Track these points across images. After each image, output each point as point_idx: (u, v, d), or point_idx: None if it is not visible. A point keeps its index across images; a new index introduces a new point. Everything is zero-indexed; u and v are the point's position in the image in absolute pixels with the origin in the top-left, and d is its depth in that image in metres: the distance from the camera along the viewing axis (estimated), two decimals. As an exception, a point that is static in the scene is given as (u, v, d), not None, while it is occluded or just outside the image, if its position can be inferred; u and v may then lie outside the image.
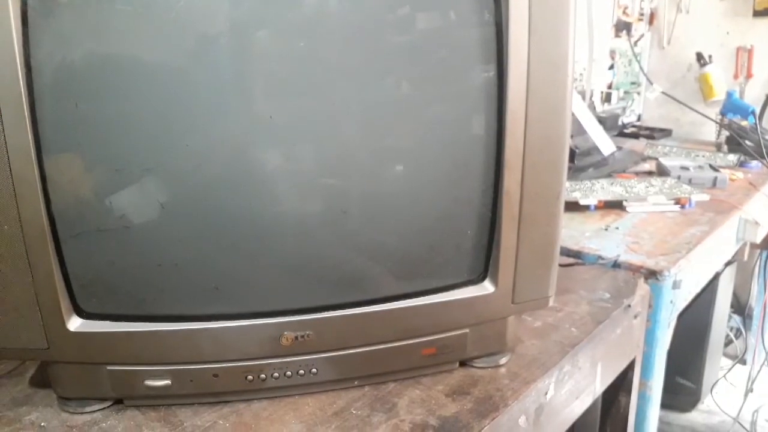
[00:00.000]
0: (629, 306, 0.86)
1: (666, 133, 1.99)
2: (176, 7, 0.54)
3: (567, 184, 0.65)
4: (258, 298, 0.62)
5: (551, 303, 0.68)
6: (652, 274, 0.95)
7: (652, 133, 1.95)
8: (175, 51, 0.55)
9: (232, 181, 0.59)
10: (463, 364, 0.69)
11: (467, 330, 0.66)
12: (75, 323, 0.58)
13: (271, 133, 0.59)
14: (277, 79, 0.58)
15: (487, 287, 0.64)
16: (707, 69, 1.90)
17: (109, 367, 0.60)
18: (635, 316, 0.89)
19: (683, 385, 1.76)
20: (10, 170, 0.54)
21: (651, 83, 1.79)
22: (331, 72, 0.59)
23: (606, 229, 1.12)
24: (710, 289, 1.63)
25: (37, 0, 0.52)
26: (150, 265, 0.59)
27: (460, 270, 0.65)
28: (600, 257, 0.99)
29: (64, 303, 0.58)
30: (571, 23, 0.61)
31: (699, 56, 1.92)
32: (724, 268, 1.64)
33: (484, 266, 0.64)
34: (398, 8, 0.59)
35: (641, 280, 0.93)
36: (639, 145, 1.81)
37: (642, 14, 1.93)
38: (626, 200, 1.22)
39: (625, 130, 1.97)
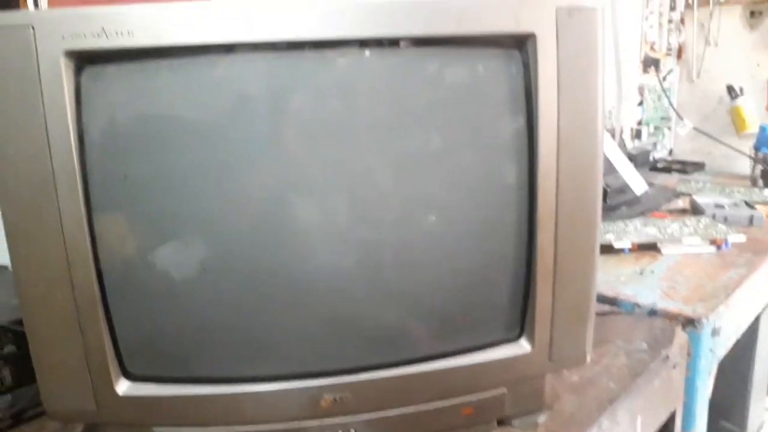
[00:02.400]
0: (667, 357, 0.85)
1: (699, 166, 1.97)
2: (218, 83, 0.57)
3: (600, 225, 0.65)
4: (298, 359, 0.63)
5: (588, 360, 0.68)
6: (689, 322, 0.93)
7: (685, 167, 1.94)
8: (217, 121, 0.58)
9: (272, 241, 0.61)
10: (501, 422, 0.69)
11: (505, 389, 0.66)
12: (123, 386, 0.60)
13: (309, 191, 0.61)
14: (313, 138, 0.60)
15: (523, 346, 0.64)
16: (739, 102, 1.89)
17: (155, 428, 0.62)
18: (674, 366, 0.88)
19: (728, 428, 1.71)
20: (64, 239, 0.56)
21: (681, 118, 1.78)
22: (365, 129, 0.61)
23: (641, 273, 1.11)
24: (751, 328, 1.59)
25: (89, 79, 0.55)
26: (193, 327, 0.61)
27: (496, 328, 0.65)
28: (636, 304, 0.98)
29: (113, 366, 0.60)
30: (600, 77, 0.62)
31: (730, 89, 1.91)
32: (765, 309, 1.60)
33: (520, 324, 0.65)
34: (428, 67, 0.61)
35: (679, 329, 0.92)
36: (671, 180, 1.80)
37: (670, 49, 1.93)
38: (661, 242, 1.21)
39: (657, 165, 1.96)
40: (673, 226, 1.29)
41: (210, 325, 0.61)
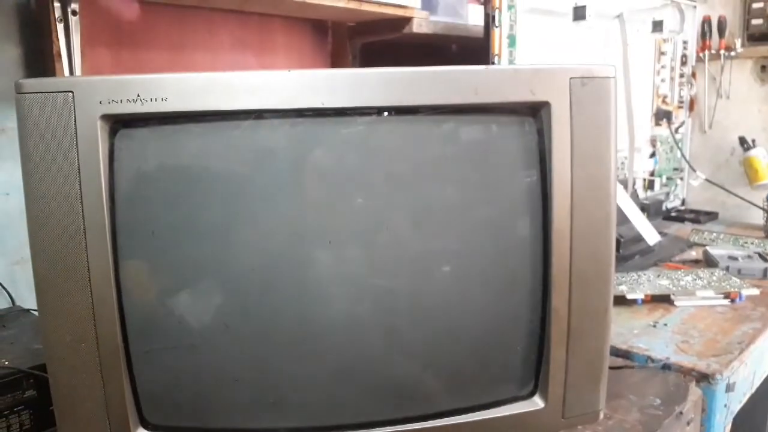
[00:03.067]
0: (681, 413, 0.85)
1: (712, 216, 1.97)
2: (244, 146, 0.60)
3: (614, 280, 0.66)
4: (313, 413, 0.64)
5: (601, 417, 0.68)
6: (704, 378, 0.93)
7: (698, 217, 1.94)
8: (241, 181, 0.61)
9: (292, 297, 0.63)
10: (513, 480, 0.69)
11: (517, 447, 0.67)
12: (141, 435, 0.62)
13: (329, 248, 0.63)
14: (335, 197, 0.62)
15: (537, 403, 0.65)
16: (752, 153, 1.90)
17: (172, 480, 0.63)
18: (688, 423, 0.87)
19: (744, 485, 1.67)
20: (91, 292, 0.59)
21: (694, 170, 1.80)
22: (386, 191, 0.63)
23: (654, 326, 1.11)
24: (765, 383, 1.57)
25: (123, 140, 0.58)
26: (212, 379, 0.63)
27: (509, 385, 0.66)
28: (649, 358, 0.98)
29: (132, 416, 0.61)
30: (613, 141, 0.64)
31: (742, 140, 1.92)
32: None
33: (534, 381, 0.66)
34: (447, 133, 0.64)
35: (693, 384, 0.92)
36: (684, 229, 1.80)
37: (681, 102, 1.95)
38: (674, 294, 1.21)
39: (671, 214, 1.96)
40: (686, 278, 1.29)
41: (229, 378, 0.63)
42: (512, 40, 1.25)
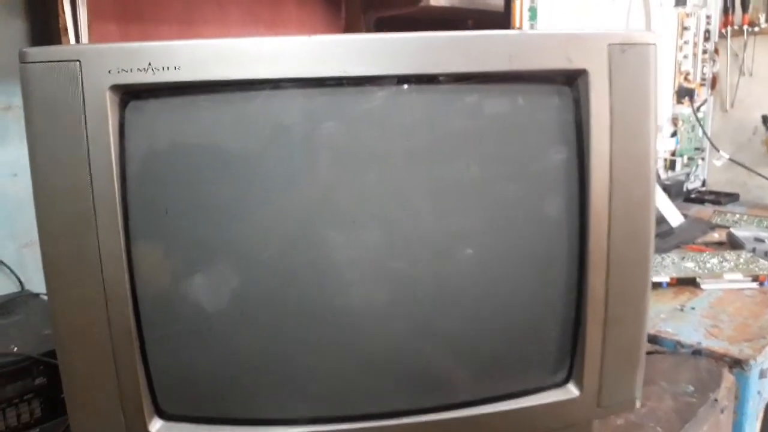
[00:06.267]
0: (716, 400, 0.82)
1: (733, 197, 1.92)
2: (262, 118, 0.56)
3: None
4: (335, 403, 0.61)
5: (638, 405, 0.65)
6: (737, 363, 0.90)
7: (719, 198, 1.89)
8: (259, 155, 0.57)
9: (312, 279, 0.59)
10: (545, 470, 0.66)
11: (551, 436, 0.63)
12: (156, 425, 0.58)
13: (352, 226, 0.59)
14: (359, 170, 0.58)
15: (571, 391, 0.62)
16: (775, 132, 1.85)
17: (188, 470, 0.60)
18: (722, 411, 0.84)
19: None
20: (102, 274, 0.55)
21: (717, 150, 1.75)
22: (415, 164, 0.59)
23: (681, 310, 1.08)
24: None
25: (133, 113, 0.55)
26: (229, 366, 0.59)
27: (542, 372, 0.63)
28: (679, 343, 0.95)
29: (147, 405, 0.58)
30: (653, 113, 0.60)
31: (765, 119, 1.87)
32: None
33: (568, 368, 0.62)
34: (477, 103, 0.59)
35: (725, 370, 0.88)
36: (705, 211, 1.76)
37: (704, 79, 1.90)
38: (700, 277, 1.18)
39: (691, 196, 1.92)
40: (712, 260, 1.25)
41: (247, 365, 0.60)
42: (533, 13, 1.20)
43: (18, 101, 0.97)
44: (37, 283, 0.97)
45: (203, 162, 0.56)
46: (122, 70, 0.53)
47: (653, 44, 0.60)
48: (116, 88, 0.53)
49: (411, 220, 0.59)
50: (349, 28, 1.36)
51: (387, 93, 0.56)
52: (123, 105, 0.54)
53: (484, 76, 0.56)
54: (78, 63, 0.53)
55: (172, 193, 0.56)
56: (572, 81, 0.58)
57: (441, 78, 0.56)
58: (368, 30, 1.35)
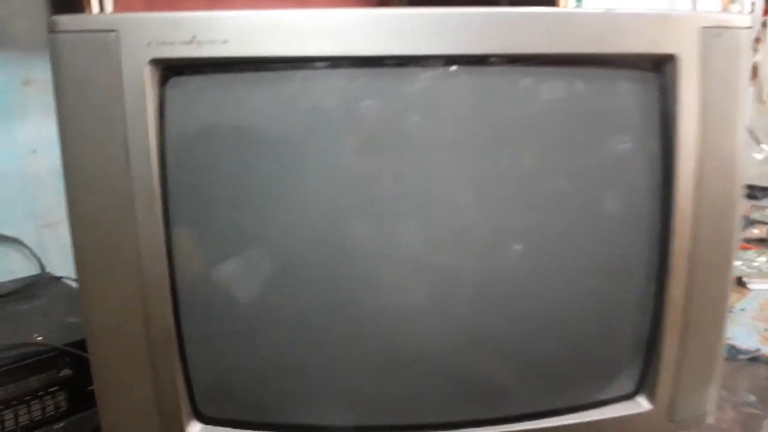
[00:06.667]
0: (779, 411, 0.77)
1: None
2: (317, 99, 0.51)
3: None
4: (382, 411, 0.56)
5: (711, 420, 0.60)
6: (797, 371, 0.85)
7: (754, 192, 1.82)
8: (314, 141, 0.51)
9: (363, 279, 0.54)
10: (609, 487, 0.61)
11: (617, 452, 0.59)
12: (195, 428, 0.54)
13: (414, 224, 0.54)
14: (426, 159, 0.53)
15: (641, 404, 0.57)
16: (815, 124, 1.77)
17: (227, 478, 0.56)
18: (784, 421, 0.79)
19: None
20: (140, 267, 0.51)
21: (758, 143, 1.68)
22: (487, 154, 0.54)
23: (731, 311, 1.02)
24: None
25: (175, 90, 0.49)
26: (273, 370, 0.55)
27: (611, 383, 0.58)
28: (733, 348, 0.89)
29: (185, 407, 0.54)
30: (744, 103, 0.54)
31: (805, 111, 1.79)
32: None
33: (639, 380, 0.57)
34: (554, 88, 0.54)
35: (786, 378, 0.83)
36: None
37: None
38: (748, 276, 1.12)
39: (725, 188, 1.85)
40: (759, 259, 1.19)
41: (291, 368, 0.55)
42: (580, -9, 1.13)
43: (40, 74, 0.92)
44: (57, 265, 0.92)
45: (250, 145, 0.51)
46: (164, 42, 0.48)
47: (747, 28, 0.54)
48: (157, 62, 0.48)
49: (483, 216, 0.54)
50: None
51: (458, 74, 0.51)
52: (163, 81, 0.49)
53: (568, 58, 0.51)
54: (115, 33, 0.48)
55: (217, 179, 0.51)
56: (659, 67, 0.52)
57: (522, 58, 0.50)
58: (401, 2, 1.28)
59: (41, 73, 0.89)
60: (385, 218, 0.54)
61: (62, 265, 0.93)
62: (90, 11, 0.87)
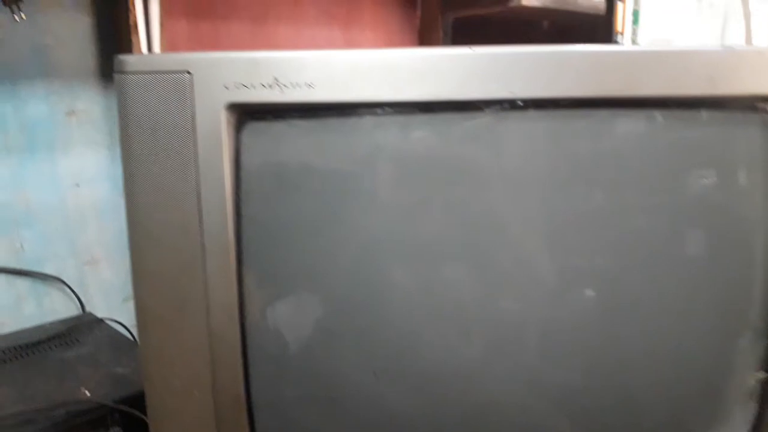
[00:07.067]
0: None
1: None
2: (414, 151, 0.47)
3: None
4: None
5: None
6: None
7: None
8: (409, 196, 0.47)
9: (461, 345, 0.49)
10: None
11: None
12: (263, 505, 0.50)
13: (520, 284, 0.50)
14: (526, 210, 0.48)
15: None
16: None
17: None
18: None
19: None
20: (209, 328, 0.46)
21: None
22: (601, 204, 0.49)
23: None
24: None
25: (252, 137, 0.45)
26: (352, 438, 0.50)
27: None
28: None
29: (253, 480, 0.49)
30: None
31: None
32: None
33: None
34: (665, 128, 0.49)
35: None
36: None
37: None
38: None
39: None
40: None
41: (370, 436, 0.50)
42: (636, 16, 1.09)
43: (82, 105, 0.89)
44: (98, 305, 0.89)
45: (336, 199, 0.46)
46: (242, 85, 0.44)
47: None
48: (234, 107, 0.44)
49: (588, 265, 0.49)
50: (424, 28, 1.26)
51: (559, 118, 0.46)
52: (239, 126, 0.45)
53: (680, 100, 0.46)
54: (189, 75, 0.44)
55: (298, 236, 0.46)
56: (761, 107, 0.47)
57: (630, 102, 0.46)
58: (445, 31, 1.25)
59: (85, 104, 0.86)
60: (476, 268, 0.49)
61: (102, 304, 0.89)
62: (137, 38, 0.84)
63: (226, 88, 0.44)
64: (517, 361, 0.51)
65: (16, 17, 0.78)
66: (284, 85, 0.44)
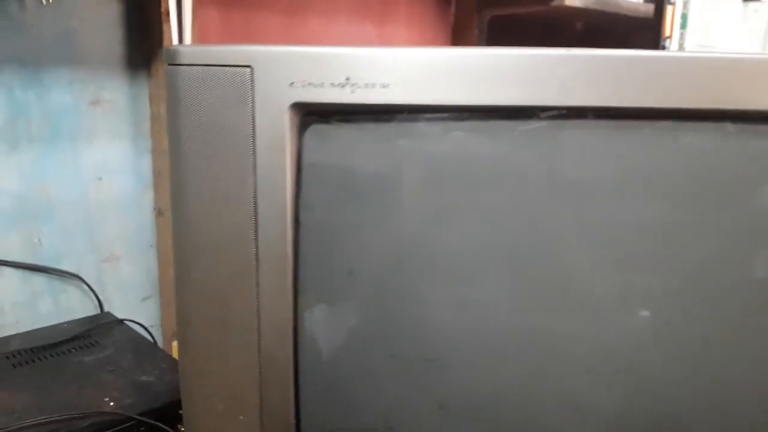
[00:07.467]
0: None
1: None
2: (498, 159, 0.42)
3: None
4: None
5: None
6: None
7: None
8: (491, 205, 0.43)
9: (536, 379, 0.45)
10: None
11: None
12: None
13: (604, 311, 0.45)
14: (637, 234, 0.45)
15: None
16: None
17: None
18: None
19: None
20: (259, 350, 0.42)
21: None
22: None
23: None
24: None
25: (317, 140, 0.41)
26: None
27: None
28: None
29: None
30: None
31: None
32: None
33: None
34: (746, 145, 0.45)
35: None
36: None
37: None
38: None
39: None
40: None
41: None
42: (684, 21, 1.04)
43: (108, 94, 0.85)
44: (116, 304, 0.84)
45: (410, 211, 0.42)
46: (309, 83, 0.40)
47: None
48: (299, 107, 0.40)
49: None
50: (459, 26, 1.22)
51: (651, 131, 0.42)
52: (303, 127, 0.41)
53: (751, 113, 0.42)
54: (249, 70, 0.40)
55: (363, 251, 0.42)
56: None
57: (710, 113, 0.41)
58: (480, 29, 1.20)
59: (111, 93, 0.81)
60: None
61: (121, 303, 0.85)
62: (169, 26, 0.80)
63: (292, 85, 0.40)
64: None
65: (44, 0, 0.74)
66: (356, 85, 0.39)
